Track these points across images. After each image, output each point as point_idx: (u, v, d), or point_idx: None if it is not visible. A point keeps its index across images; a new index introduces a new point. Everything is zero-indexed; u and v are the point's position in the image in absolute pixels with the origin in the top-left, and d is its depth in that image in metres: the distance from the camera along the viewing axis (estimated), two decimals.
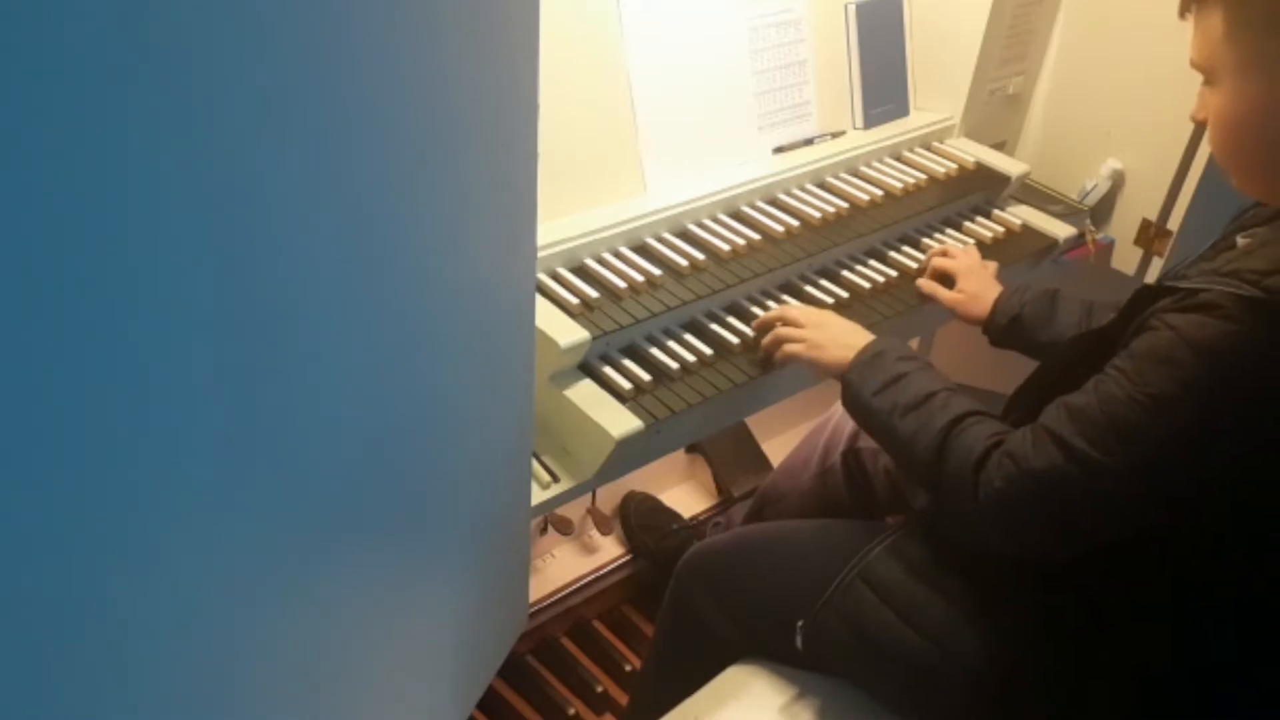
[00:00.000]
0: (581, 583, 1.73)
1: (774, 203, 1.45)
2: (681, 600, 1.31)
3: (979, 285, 1.36)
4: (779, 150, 1.50)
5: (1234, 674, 0.99)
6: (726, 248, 1.32)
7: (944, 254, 1.43)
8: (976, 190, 1.60)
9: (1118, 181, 1.65)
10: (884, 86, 1.63)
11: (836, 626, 1.10)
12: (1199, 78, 0.92)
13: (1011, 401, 1.07)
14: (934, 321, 1.39)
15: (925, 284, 1.40)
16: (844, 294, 1.36)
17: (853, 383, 1.09)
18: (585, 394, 1.14)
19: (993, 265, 1.41)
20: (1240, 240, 0.95)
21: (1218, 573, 0.96)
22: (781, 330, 1.21)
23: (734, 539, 1.33)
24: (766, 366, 1.22)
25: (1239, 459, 0.87)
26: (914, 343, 1.96)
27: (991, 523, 0.94)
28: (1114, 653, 1.00)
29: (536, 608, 1.66)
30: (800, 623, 1.12)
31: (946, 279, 1.40)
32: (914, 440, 1.00)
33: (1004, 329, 1.31)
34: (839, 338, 1.15)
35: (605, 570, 1.75)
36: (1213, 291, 0.85)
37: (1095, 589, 1.00)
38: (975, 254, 1.44)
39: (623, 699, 1.64)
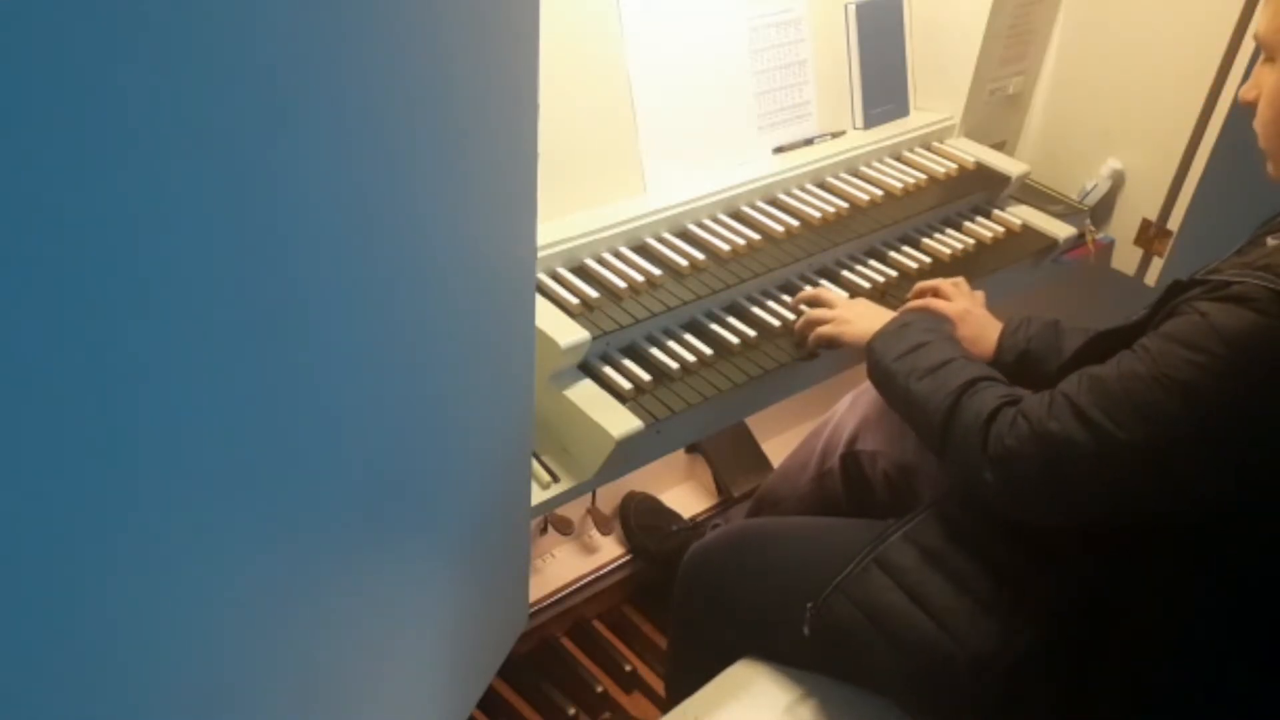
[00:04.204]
0: (581, 583, 1.72)
1: (774, 203, 1.45)
2: (687, 602, 1.31)
3: (977, 326, 1.27)
4: (779, 150, 1.50)
5: (1237, 672, 0.99)
6: (726, 248, 1.32)
7: (935, 291, 1.33)
8: (976, 190, 1.60)
9: (1118, 181, 1.65)
10: (884, 86, 1.62)
11: (847, 610, 1.10)
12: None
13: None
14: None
15: None
16: (844, 294, 1.36)
17: (876, 349, 1.13)
18: (585, 394, 1.14)
19: (980, 295, 1.34)
20: (1271, 241, 0.94)
21: (1225, 570, 0.96)
22: (813, 313, 1.26)
23: (736, 532, 1.32)
24: (803, 352, 1.26)
25: (1252, 453, 0.87)
26: None
27: (996, 479, 0.95)
28: (1119, 648, 1.00)
29: (536, 608, 1.66)
30: (810, 604, 1.12)
31: None
32: (928, 400, 1.03)
33: (1011, 366, 1.23)
34: (866, 314, 1.22)
35: (605, 570, 1.75)
36: (1246, 284, 0.85)
37: (1103, 584, 1.00)
38: (965, 288, 1.34)
39: (622, 699, 1.64)
